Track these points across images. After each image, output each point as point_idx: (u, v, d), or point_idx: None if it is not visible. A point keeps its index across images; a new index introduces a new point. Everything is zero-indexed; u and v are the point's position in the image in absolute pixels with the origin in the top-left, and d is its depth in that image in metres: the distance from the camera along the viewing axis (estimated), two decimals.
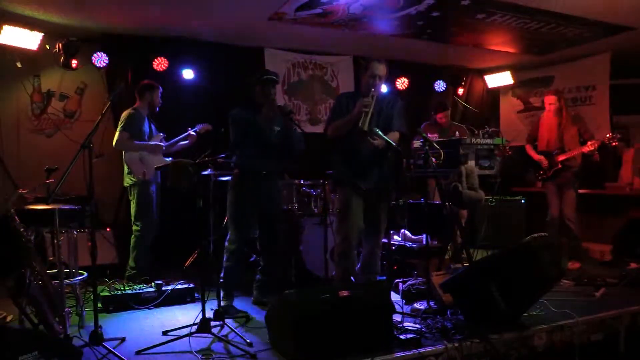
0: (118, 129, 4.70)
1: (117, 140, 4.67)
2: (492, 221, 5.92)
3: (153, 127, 4.95)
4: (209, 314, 3.44)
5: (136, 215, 4.73)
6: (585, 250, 5.88)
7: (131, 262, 4.70)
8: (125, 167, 4.74)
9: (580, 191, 5.99)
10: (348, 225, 3.83)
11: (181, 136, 4.99)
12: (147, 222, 4.73)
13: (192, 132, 4.98)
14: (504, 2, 4.70)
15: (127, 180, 4.75)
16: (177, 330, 3.36)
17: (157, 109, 4.92)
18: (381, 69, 3.77)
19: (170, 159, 4.85)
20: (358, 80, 4.02)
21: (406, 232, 5.15)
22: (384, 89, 6.60)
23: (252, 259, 4.71)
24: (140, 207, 4.72)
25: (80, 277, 3.74)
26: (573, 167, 5.38)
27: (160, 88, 4.92)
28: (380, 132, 3.61)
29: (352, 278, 3.97)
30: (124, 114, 4.76)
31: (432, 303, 3.69)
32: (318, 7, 4.82)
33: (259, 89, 3.93)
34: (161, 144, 4.88)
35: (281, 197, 4.37)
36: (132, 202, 4.79)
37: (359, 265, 4.06)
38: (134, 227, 4.75)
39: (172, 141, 4.98)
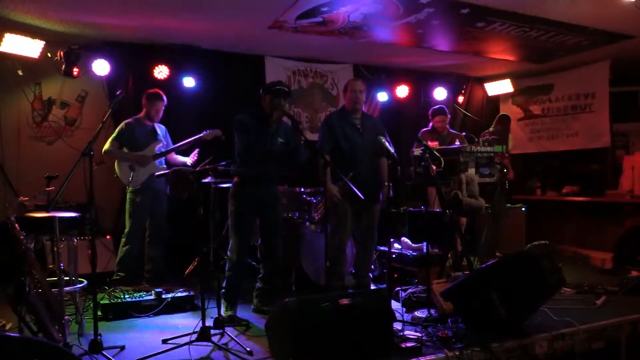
0: (111, 137, 4.77)
1: (105, 149, 4.73)
2: (492, 229, 5.90)
3: (160, 133, 4.91)
4: (209, 322, 3.43)
5: (126, 222, 4.84)
6: (586, 257, 5.90)
7: (116, 266, 4.82)
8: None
9: (580, 198, 6.08)
10: (342, 235, 4.20)
11: (188, 140, 4.82)
12: (133, 229, 4.78)
13: (205, 133, 4.80)
14: (503, 10, 4.72)
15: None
16: (177, 339, 3.35)
17: (157, 119, 4.92)
18: (360, 85, 4.30)
19: (164, 165, 4.85)
20: None
21: (406, 240, 5.14)
22: (383, 97, 6.77)
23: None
24: (128, 214, 4.81)
25: (80, 285, 3.72)
26: None
27: (165, 100, 4.90)
28: (383, 139, 3.96)
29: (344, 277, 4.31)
30: (120, 126, 4.81)
31: (432, 311, 3.69)
32: (318, 15, 4.84)
33: (268, 98, 3.94)
34: (148, 155, 4.79)
35: (280, 204, 4.36)
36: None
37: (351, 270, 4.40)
38: (123, 236, 4.85)
39: (172, 147, 4.91)
